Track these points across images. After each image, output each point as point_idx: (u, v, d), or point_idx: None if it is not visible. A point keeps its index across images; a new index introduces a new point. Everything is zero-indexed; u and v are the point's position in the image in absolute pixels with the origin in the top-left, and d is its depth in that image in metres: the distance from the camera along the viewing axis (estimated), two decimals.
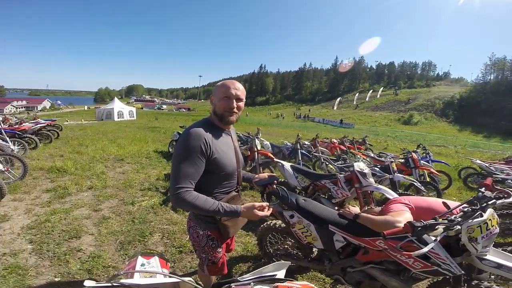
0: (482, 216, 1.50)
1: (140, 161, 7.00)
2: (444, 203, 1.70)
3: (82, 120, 24.94)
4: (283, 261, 1.33)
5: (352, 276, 1.96)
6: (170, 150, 8.20)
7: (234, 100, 1.46)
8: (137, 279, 1.12)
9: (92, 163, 6.49)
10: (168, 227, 3.48)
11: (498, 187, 3.74)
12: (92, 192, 4.62)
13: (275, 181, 1.75)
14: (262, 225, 2.65)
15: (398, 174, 4.68)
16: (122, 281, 1.05)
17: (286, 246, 2.51)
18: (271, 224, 2.55)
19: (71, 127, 16.28)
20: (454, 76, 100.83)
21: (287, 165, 4.27)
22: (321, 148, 8.23)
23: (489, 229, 1.50)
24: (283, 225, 2.38)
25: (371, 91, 79.09)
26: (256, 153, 5.38)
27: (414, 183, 4.39)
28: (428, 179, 5.55)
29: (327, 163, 4.92)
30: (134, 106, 39.25)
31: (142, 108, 64.95)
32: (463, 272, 1.55)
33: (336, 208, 3.44)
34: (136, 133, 13.39)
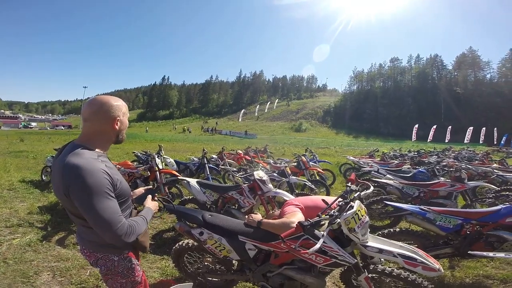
0: (352, 208, 1.77)
1: (1, 194, 5.51)
2: (323, 200, 1.98)
3: None
4: (184, 283, 1.26)
5: (274, 280, 2.04)
6: (44, 178, 6.69)
7: None
8: None
9: None
10: (58, 264, 3.03)
11: (361, 180, 4.70)
12: None
13: (155, 194, 1.69)
14: (174, 247, 2.52)
15: (293, 177, 5.29)
16: None
17: (206, 263, 2.44)
18: (184, 244, 2.46)
19: None
20: (330, 87, 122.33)
21: (192, 181, 4.17)
22: (229, 160, 8.43)
23: (361, 218, 1.78)
24: (196, 243, 2.32)
25: (269, 102, 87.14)
26: (157, 172, 5.01)
27: (306, 183, 5.07)
28: (317, 178, 6.51)
29: (233, 175, 5.07)
30: None
31: None
32: (356, 260, 1.79)
33: (246, 216, 3.58)
34: None
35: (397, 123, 61.75)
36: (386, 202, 3.58)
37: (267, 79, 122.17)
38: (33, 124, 64.20)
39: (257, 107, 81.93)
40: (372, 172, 5.99)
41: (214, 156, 8.76)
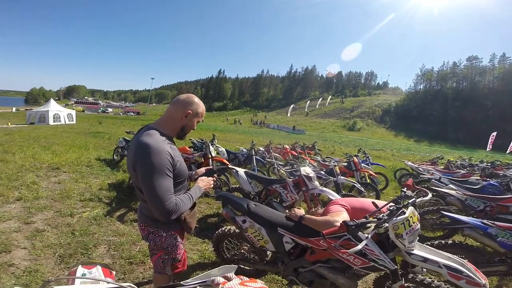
0: (404, 213, 1.68)
1: (80, 170, 6.41)
2: (373, 203, 1.91)
3: (9, 123, 21.57)
4: (230, 265, 1.36)
5: (304, 276, 2.05)
6: (115, 157, 7.63)
7: None
8: (77, 286, 1.07)
9: (21, 172, 5.73)
10: (115, 238, 3.31)
11: (419, 187, 4.31)
12: (22, 203, 4.12)
13: (214, 174, 1.82)
14: (217, 232, 2.68)
15: (341, 177, 5.10)
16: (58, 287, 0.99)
17: (242, 251, 2.54)
18: (226, 230, 2.60)
19: None
20: (392, 85, 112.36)
21: (241, 171, 4.35)
22: (275, 154, 8.53)
23: (411, 225, 1.69)
24: (237, 230, 2.44)
25: (320, 99, 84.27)
26: (210, 159, 5.36)
27: (355, 184, 4.86)
28: (368, 181, 6.16)
29: (278, 168, 5.14)
30: (74, 109, 35.58)
31: (83, 111, 58.82)
32: (396, 266, 1.72)
33: (286, 211, 3.63)
34: (75, 139, 12.13)
35: (469, 128, 53.89)
36: (444, 212, 3.27)
37: (319, 75, 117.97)
38: (109, 109, 73.68)
39: (308, 102, 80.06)
40: (433, 180, 5.43)
41: (261, 148, 8.95)
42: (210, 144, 5.72)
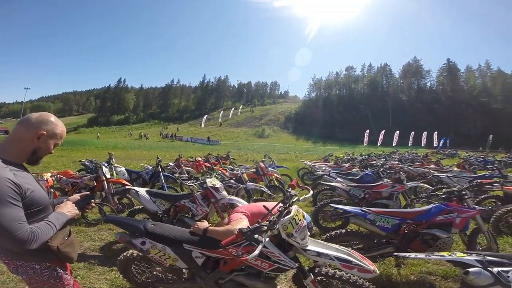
0: (290, 213, 1.80)
1: None
2: (264, 206, 2.01)
3: None
4: None
5: (226, 287, 2.02)
6: None
7: None
8: None
9: None
10: None
11: (303, 185, 4.85)
12: None
13: (91, 200, 1.64)
14: (119, 258, 2.42)
15: (250, 183, 5.31)
16: None
17: (155, 272, 2.38)
18: (129, 255, 2.38)
19: None
20: (292, 94, 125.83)
21: (141, 191, 4.01)
22: (187, 168, 8.20)
23: (298, 223, 1.80)
24: (140, 253, 2.24)
25: (233, 108, 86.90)
26: (105, 182, 4.67)
27: (263, 188, 5.13)
28: (276, 183, 6.64)
29: (183, 183, 4.92)
30: None
31: None
32: (297, 264, 1.83)
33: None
34: None
35: (351, 128, 65.98)
36: (332, 204, 3.68)
37: (232, 85, 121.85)
38: None
39: (221, 113, 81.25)
40: (324, 175, 6.27)
41: (171, 164, 8.45)
42: (105, 164, 5.01)
